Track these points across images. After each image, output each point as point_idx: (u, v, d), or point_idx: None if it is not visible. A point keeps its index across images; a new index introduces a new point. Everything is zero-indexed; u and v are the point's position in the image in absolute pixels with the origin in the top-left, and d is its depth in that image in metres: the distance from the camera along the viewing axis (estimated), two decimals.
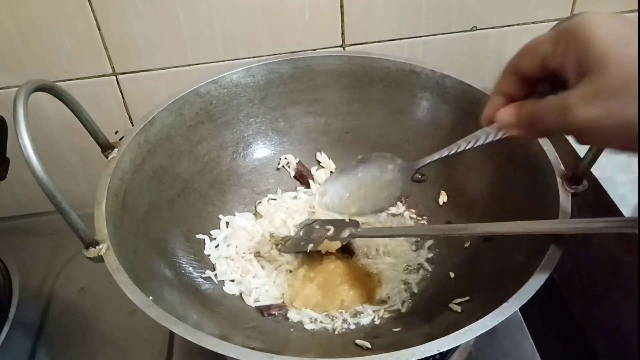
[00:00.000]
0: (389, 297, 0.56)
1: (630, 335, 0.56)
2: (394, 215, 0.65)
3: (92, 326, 0.63)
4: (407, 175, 0.50)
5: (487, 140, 0.40)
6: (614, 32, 0.29)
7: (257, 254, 0.60)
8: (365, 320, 0.54)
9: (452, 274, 0.56)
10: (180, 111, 0.60)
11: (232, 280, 0.58)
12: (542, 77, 0.33)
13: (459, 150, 0.43)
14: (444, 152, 0.44)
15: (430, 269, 0.58)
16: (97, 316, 0.64)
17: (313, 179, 0.68)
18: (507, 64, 0.35)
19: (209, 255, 0.59)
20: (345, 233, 0.59)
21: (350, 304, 0.55)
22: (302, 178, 0.68)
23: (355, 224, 0.60)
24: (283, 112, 0.67)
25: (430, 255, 0.60)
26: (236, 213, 0.64)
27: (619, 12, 0.71)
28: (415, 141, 0.64)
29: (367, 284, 0.57)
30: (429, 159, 0.47)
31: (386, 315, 0.54)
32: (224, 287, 0.57)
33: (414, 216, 0.64)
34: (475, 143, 0.41)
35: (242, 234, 0.62)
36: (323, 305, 0.55)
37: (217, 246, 0.60)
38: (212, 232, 0.61)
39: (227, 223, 0.63)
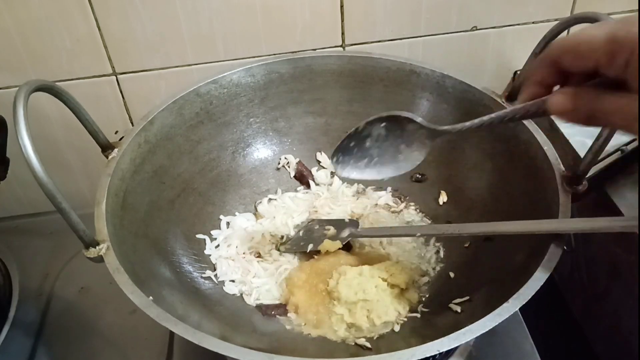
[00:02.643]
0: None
1: (630, 335, 0.56)
2: (395, 212, 0.65)
3: (92, 326, 0.63)
4: (430, 136, 0.44)
5: (525, 117, 0.38)
6: None
7: (258, 254, 0.60)
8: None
9: (452, 274, 0.56)
10: (180, 111, 0.60)
11: (233, 281, 0.58)
12: (584, 75, 0.33)
13: (488, 122, 0.40)
14: (476, 122, 0.41)
15: (430, 269, 0.58)
16: (97, 316, 0.64)
17: (313, 179, 0.68)
18: (543, 56, 0.34)
19: (210, 255, 0.60)
20: (345, 233, 0.59)
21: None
22: (302, 178, 0.68)
23: (355, 223, 0.60)
24: (283, 112, 0.67)
25: (431, 255, 0.60)
26: (236, 213, 0.64)
27: (619, 13, 0.71)
28: None
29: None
30: (458, 127, 0.42)
31: (410, 316, 0.53)
32: (224, 287, 0.57)
33: (417, 212, 0.64)
34: (510, 117, 0.38)
35: (242, 234, 0.62)
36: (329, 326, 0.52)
37: (217, 246, 0.60)
38: (212, 232, 0.61)
39: (228, 223, 0.63)
